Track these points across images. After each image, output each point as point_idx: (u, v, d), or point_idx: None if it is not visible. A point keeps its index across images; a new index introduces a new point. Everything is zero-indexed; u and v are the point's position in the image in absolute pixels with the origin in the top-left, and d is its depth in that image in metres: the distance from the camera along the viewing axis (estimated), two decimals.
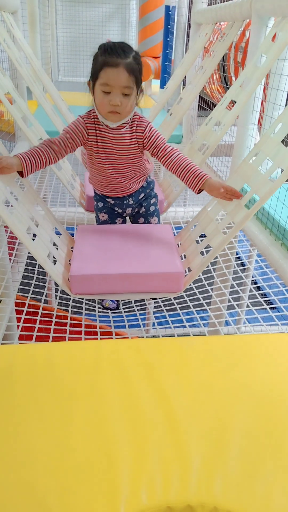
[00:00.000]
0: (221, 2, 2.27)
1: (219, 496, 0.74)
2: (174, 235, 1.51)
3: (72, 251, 1.41)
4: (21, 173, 1.25)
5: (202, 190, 1.30)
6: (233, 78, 2.41)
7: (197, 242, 1.39)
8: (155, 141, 1.38)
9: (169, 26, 3.79)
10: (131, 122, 1.37)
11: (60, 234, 1.45)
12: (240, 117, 1.91)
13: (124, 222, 1.58)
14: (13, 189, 1.24)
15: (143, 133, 1.38)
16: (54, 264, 1.28)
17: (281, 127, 1.26)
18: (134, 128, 1.38)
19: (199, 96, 2.93)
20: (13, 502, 0.71)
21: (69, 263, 1.34)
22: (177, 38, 3.66)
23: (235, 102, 1.65)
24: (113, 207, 1.53)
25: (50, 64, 5.33)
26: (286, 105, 1.78)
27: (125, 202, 1.51)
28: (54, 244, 1.35)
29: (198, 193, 1.31)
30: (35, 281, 1.56)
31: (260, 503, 0.74)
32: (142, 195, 1.53)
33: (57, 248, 1.36)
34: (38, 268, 1.60)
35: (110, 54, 1.24)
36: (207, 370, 1.01)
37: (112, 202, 1.52)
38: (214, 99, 3.00)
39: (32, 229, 1.26)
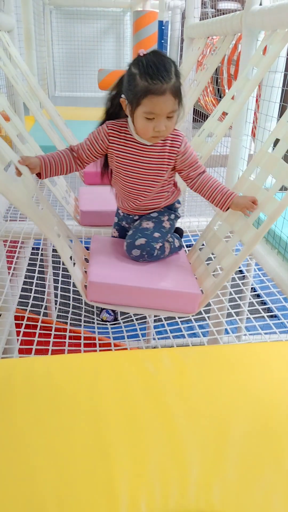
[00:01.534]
0: (212, 17, 2.32)
1: (218, 505, 0.74)
2: None
3: (85, 260, 1.42)
4: (39, 175, 1.25)
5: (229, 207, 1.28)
6: (227, 90, 2.45)
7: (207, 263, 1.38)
8: (188, 159, 1.28)
9: (162, 41, 3.85)
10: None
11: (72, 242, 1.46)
12: (234, 128, 1.94)
13: None
14: (37, 190, 1.25)
15: (178, 148, 1.26)
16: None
17: (281, 144, 1.26)
18: (168, 142, 1.26)
19: (194, 108, 2.96)
20: None
21: (85, 271, 1.35)
22: (170, 53, 3.73)
23: (228, 114, 1.68)
24: (121, 221, 1.48)
25: (46, 80, 5.40)
26: (278, 116, 1.81)
27: (130, 216, 1.43)
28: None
29: (225, 211, 1.30)
30: (34, 294, 1.58)
31: (259, 510, 0.74)
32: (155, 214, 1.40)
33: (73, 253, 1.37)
34: (36, 280, 1.61)
35: (153, 79, 1.11)
36: (206, 379, 1.01)
37: (121, 215, 1.46)
38: (208, 111, 3.04)
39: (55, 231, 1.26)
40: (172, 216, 1.40)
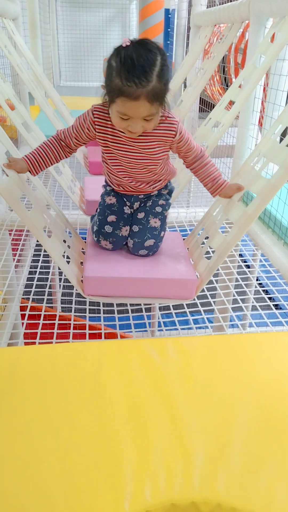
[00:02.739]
0: (219, 4, 2.29)
1: (223, 493, 0.75)
2: None
3: (83, 252, 1.42)
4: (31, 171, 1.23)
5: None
6: (233, 79, 2.42)
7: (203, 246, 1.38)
8: (184, 145, 1.22)
9: (169, 29, 3.81)
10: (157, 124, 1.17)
11: (71, 236, 1.46)
12: (241, 118, 1.92)
13: (131, 213, 1.38)
14: (25, 190, 1.25)
15: (173, 138, 1.18)
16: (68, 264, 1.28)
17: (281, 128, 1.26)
18: (161, 132, 1.17)
19: (200, 97, 2.94)
20: (19, 500, 0.72)
21: (81, 264, 1.35)
22: (177, 41, 3.69)
23: (234, 103, 1.66)
24: (122, 196, 1.36)
25: (51, 69, 5.38)
26: (286, 104, 1.79)
27: (134, 196, 1.35)
28: (67, 246, 1.36)
29: (214, 197, 1.31)
30: (38, 284, 1.57)
31: (263, 499, 0.74)
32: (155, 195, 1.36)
33: (69, 248, 1.36)
34: (40, 269, 1.61)
35: (128, 80, 0.99)
36: (210, 368, 1.01)
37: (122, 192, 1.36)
38: (215, 101, 3.01)
39: (47, 228, 1.26)
40: (168, 206, 1.39)
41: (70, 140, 1.22)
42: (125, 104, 1.03)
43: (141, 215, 1.33)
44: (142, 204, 1.35)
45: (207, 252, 1.35)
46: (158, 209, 1.34)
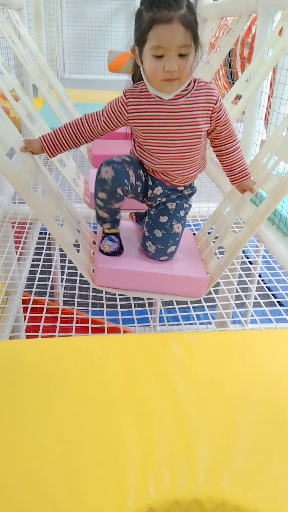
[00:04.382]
0: None
1: (227, 491, 0.74)
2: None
3: (94, 244, 1.40)
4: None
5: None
6: (240, 74, 2.40)
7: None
8: (223, 116, 1.14)
9: None
10: (195, 90, 1.10)
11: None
12: (247, 112, 1.90)
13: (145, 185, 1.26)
14: (38, 176, 1.22)
15: (215, 104, 1.12)
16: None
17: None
18: (201, 98, 1.11)
19: None
20: (22, 495, 0.71)
21: (92, 255, 1.33)
22: None
23: (241, 97, 1.64)
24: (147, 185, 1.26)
25: (55, 61, 5.34)
26: None
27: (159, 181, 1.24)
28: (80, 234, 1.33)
29: (233, 184, 1.25)
30: (40, 277, 1.57)
31: (268, 497, 0.73)
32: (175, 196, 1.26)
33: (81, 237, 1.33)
34: (43, 262, 1.60)
35: (159, 7, 0.97)
36: (214, 365, 1.01)
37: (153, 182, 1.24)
38: (221, 95, 2.99)
39: (60, 217, 1.23)
40: (189, 209, 1.32)
41: (98, 124, 1.16)
42: (158, 31, 0.98)
43: (164, 219, 1.24)
44: (164, 199, 1.26)
45: (217, 251, 1.33)
46: (182, 213, 1.27)
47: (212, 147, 1.23)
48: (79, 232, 1.32)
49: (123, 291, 1.26)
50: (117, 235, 1.29)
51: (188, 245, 1.40)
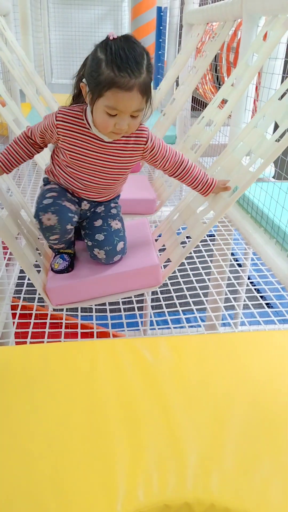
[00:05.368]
0: (212, 3, 2.28)
1: (216, 493, 0.74)
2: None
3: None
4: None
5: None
6: (226, 78, 2.42)
7: (178, 234, 1.36)
8: (158, 152, 1.18)
9: (161, 27, 3.80)
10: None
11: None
12: (233, 116, 1.92)
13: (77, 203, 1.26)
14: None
15: (145, 144, 1.16)
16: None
17: (264, 119, 1.26)
18: (132, 139, 1.15)
19: (192, 96, 2.93)
20: (11, 501, 0.71)
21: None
22: (169, 39, 3.68)
23: (227, 101, 1.65)
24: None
25: (43, 67, 5.34)
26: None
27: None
28: (39, 254, 1.32)
29: (206, 196, 1.27)
30: (29, 283, 1.56)
31: (257, 499, 0.74)
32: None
33: (40, 255, 1.32)
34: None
35: (121, 70, 0.96)
36: (203, 367, 1.01)
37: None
38: (207, 99, 3.01)
39: (20, 236, 1.23)
40: (120, 207, 1.35)
41: (36, 138, 1.19)
42: (117, 95, 0.99)
43: (98, 223, 1.26)
44: (92, 209, 1.30)
45: (183, 242, 1.32)
46: (113, 211, 1.29)
47: (170, 176, 1.26)
48: (37, 250, 1.31)
49: (83, 303, 1.24)
50: (70, 254, 1.29)
51: (141, 237, 1.37)
